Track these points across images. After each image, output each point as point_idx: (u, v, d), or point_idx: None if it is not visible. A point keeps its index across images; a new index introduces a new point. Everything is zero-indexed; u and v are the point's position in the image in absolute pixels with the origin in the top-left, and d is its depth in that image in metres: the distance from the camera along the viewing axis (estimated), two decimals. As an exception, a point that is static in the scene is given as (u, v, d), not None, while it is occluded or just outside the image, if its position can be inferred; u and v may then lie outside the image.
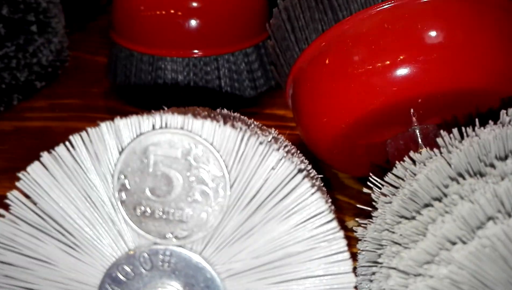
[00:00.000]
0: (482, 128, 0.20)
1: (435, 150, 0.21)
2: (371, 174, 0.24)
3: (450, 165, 0.19)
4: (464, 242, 0.16)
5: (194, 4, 0.40)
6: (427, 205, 0.19)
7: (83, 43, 0.54)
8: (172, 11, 0.40)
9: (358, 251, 0.23)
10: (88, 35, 0.56)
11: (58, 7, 0.45)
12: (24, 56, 0.42)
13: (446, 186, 0.18)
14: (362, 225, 0.23)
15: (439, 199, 0.18)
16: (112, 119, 0.18)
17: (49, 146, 0.19)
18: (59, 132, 0.40)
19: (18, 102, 0.43)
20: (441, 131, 0.22)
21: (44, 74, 0.44)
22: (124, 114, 0.18)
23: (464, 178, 0.18)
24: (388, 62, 0.27)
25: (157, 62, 0.40)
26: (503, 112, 0.21)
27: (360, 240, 0.23)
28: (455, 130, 0.21)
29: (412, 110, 0.28)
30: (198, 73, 0.40)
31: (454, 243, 0.16)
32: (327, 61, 0.29)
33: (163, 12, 0.40)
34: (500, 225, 0.15)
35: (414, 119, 0.29)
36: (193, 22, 0.40)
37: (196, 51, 0.40)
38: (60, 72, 0.47)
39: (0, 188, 0.32)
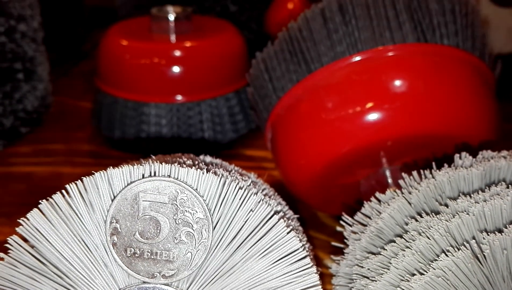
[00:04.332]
0: (438, 171, 0.22)
1: (398, 190, 0.23)
2: (343, 213, 0.26)
3: (410, 204, 0.21)
4: (421, 273, 0.18)
5: (177, 53, 0.41)
6: (391, 241, 0.21)
7: (67, 89, 0.54)
8: (156, 60, 0.41)
9: (333, 287, 0.24)
10: (71, 80, 0.56)
11: (44, 54, 0.45)
12: (10, 103, 0.42)
13: (407, 224, 0.20)
14: (336, 261, 0.24)
15: (400, 235, 0.20)
16: (96, 163, 0.19)
17: (35, 191, 0.20)
18: (44, 177, 0.39)
19: (3, 148, 0.43)
20: (403, 174, 0.24)
21: (29, 120, 0.44)
22: (108, 158, 0.20)
23: (421, 216, 0.20)
24: (357, 109, 0.29)
25: (141, 107, 0.41)
26: (456, 156, 0.23)
27: (334, 275, 0.24)
28: (414, 173, 0.23)
29: (381, 153, 0.31)
30: (181, 117, 0.41)
31: (413, 274, 0.18)
32: (302, 109, 0.31)
33: (147, 60, 0.41)
34: (451, 257, 0.17)
35: (383, 160, 0.32)
36: (176, 70, 0.41)
37: (179, 97, 0.41)
38: (45, 118, 0.46)
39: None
